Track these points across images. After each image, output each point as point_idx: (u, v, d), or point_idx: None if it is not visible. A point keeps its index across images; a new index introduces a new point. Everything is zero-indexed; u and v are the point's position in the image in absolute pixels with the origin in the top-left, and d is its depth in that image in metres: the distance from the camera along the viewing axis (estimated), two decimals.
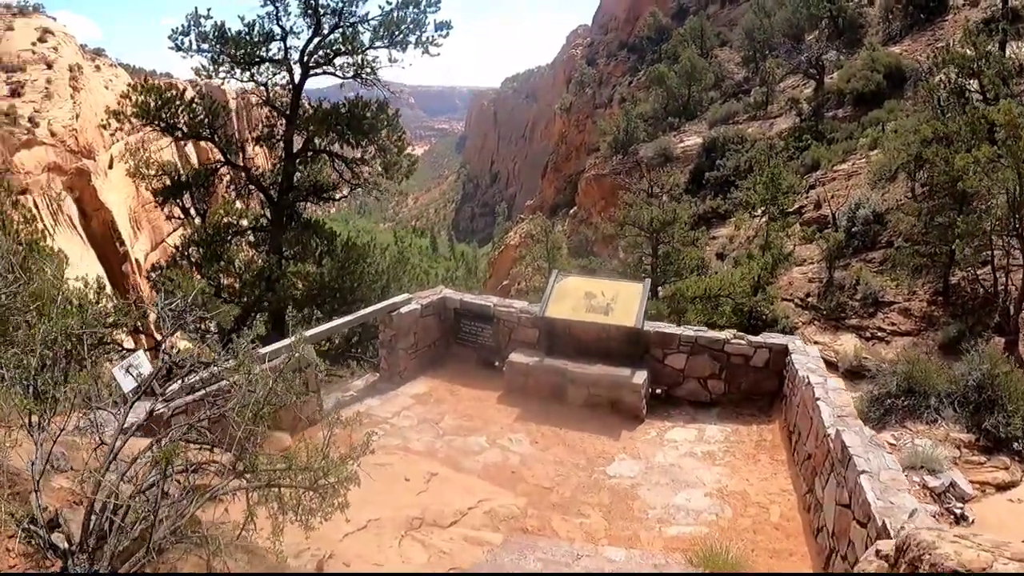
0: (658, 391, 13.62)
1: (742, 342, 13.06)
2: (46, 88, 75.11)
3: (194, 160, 75.31)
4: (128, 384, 9.43)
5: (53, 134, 72.46)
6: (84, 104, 75.58)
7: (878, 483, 7.49)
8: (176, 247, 24.17)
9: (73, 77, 79.67)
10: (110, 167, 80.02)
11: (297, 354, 6.61)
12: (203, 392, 7.89)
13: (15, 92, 73.01)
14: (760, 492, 10.50)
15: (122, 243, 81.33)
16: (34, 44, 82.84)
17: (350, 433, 5.85)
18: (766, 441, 12.00)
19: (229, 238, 22.78)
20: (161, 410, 9.00)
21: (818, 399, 9.82)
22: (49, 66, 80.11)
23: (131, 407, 6.56)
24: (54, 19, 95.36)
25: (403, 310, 14.76)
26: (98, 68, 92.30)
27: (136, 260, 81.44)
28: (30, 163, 68.65)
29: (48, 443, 4.90)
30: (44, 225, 65.87)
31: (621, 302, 13.63)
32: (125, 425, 5.35)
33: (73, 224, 74.02)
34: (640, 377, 12.93)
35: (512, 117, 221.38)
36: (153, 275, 23.06)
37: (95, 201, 77.59)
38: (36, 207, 65.78)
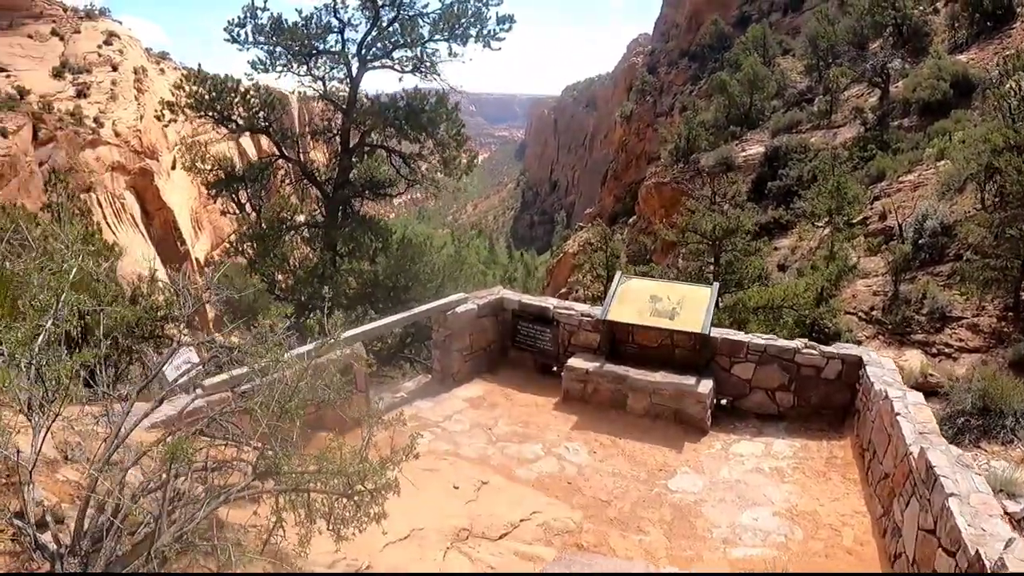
0: (723, 402, 12.84)
1: (814, 352, 12.28)
2: (111, 89, 76.62)
3: (253, 155, 76.15)
4: (173, 376, 9.51)
5: (117, 134, 73.80)
6: (148, 106, 76.27)
7: (968, 507, 6.74)
8: (230, 242, 24.01)
9: (138, 79, 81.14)
10: (173, 168, 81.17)
11: (334, 348, 6.03)
12: (248, 386, 7.19)
13: (81, 93, 75.06)
14: (832, 513, 9.79)
15: (183, 243, 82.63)
16: (100, 47, 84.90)
17: (392, 435, 5.32)
18: (837, 458, 11.26)
19: (283, 234, 22.52)
20: (200, 404, 8.76)
21: (898, 414, 9.09)
22: (114, 68, 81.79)
23: (161, 400, 6.16)
24: (120, 23, 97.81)
25: (459, 310, 14.19)
26: (163, 71, 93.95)
27: (196, 259, 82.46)
28: (94, 162, 69.98)
29: (43, 430, 4.35)
30: (108, 222, 68.48)
31: (687, 306, 12.90)
32: (152, 417, 4.90)
33: (135, 222, 75.51)
34: (705, 386, 12.21)
35: (572, 125, 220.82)
36: (207, 269, 22.90)
37: (157, 201, 79.02)
38: (99, 204, 68.86)
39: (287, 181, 24.00)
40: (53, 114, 69.77)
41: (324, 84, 22.31)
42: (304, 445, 5.72)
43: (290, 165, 23.56)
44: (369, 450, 5.04)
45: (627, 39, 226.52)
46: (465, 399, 13.62)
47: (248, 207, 23.68)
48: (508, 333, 15.20)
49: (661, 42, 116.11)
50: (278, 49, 21.40)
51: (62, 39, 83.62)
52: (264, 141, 23.31)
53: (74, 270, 5.26)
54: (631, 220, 63.55)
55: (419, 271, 21.55)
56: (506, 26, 21.16)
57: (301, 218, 23.29)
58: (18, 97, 67.96)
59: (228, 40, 21.38)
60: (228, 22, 21.33)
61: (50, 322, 4.75)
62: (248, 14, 21.09)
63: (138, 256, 69.60)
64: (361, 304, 21.60)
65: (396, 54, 21.75)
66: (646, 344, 13.33)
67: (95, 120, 73.83)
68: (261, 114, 22.39)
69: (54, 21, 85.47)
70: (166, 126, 25.09)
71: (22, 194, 53.37)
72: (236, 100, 21.97)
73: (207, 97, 21.47)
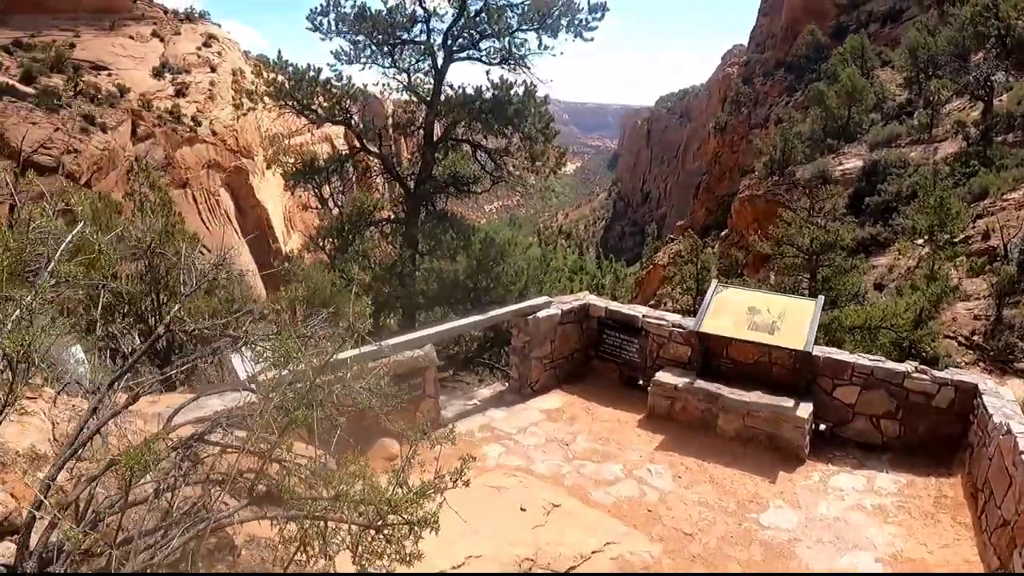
0: (822, 427, 11.67)
1: (925, 378, 11.05)
2: (209, 90, 78.72)
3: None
4: (243, 372, 9.31)
5: (214, 133, 75.76)
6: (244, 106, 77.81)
7: None
8: (311, 237, 23.77)
9: (235, 80, 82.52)
10: (268, 167, 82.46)
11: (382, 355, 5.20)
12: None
13: (180, 92, 78.08)
14: (940, 561, 8.65)
15: (275, 240, 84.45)
16: (199, 49, 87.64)
17: (438, 456, 4.53)
18: (947, 498, 10.08)
19: (363, 229, 22.07)
20: (254, 401, 8.20)
21: (1022, 453, 8.07)
22: (213, 69, 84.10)
23: (198, 397, 5.54)
24: (219, 26, 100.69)
25: (540, 315, 13.29)
26: (260, 74, 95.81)
27: (288, 257, 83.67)
28: (191, 159, 72.19)
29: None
30: (202, 218, 71.77)
31: (789, 321, 11.76)
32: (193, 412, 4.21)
33: (229, 218, 78.20)
34: (805, 410, 11.05)
35: (665, 136, 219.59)
36: (286, 264, 22.60)
37: (251, 198, 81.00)
38: (194, 200, 71.92)
39: (368, 175, 23.50)
40: (152, 112, 72.19)
41: (409, 76, 21.82)
42: (355, 455, 5.01)
43: (372, 159, 23.09)
44: (411, 471, 4.24)
45: (722, 49, 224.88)
46: (542, 410, 12.74)
47: (331, 202, 23.35)
48: (592, 342, 14.24)
49: (756, 52, 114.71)
50: (361, 38, 20.97)
51: (162, 40, 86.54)
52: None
53: None
54: (723, 233, 62.65)
55: (501, 273, 20.70)
56: (598, 15, 20.31)
57: (385, 213, 22.79)
58: (118, 95, 70.13)
59: (310, 29, 21.08)
60: (311, 11, 21.14)
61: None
62: (331, 2, 20.78)
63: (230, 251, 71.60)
64: (440, 305, 20.96)
65: (483, 45, 21.22)
66: (741, 360, 12.25)
67: (192, 119, 76.28)
68: (342, 104, 21.92)
69: (155, 23, 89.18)
70: (244, 114, 25.13)
71: (119, 187, 54.66)
72: (316, 89, 21.56)
73: (286, 85, 21.16)
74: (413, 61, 21.66)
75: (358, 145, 22.73)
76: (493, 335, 19.63)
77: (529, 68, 21.03)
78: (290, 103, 21.58)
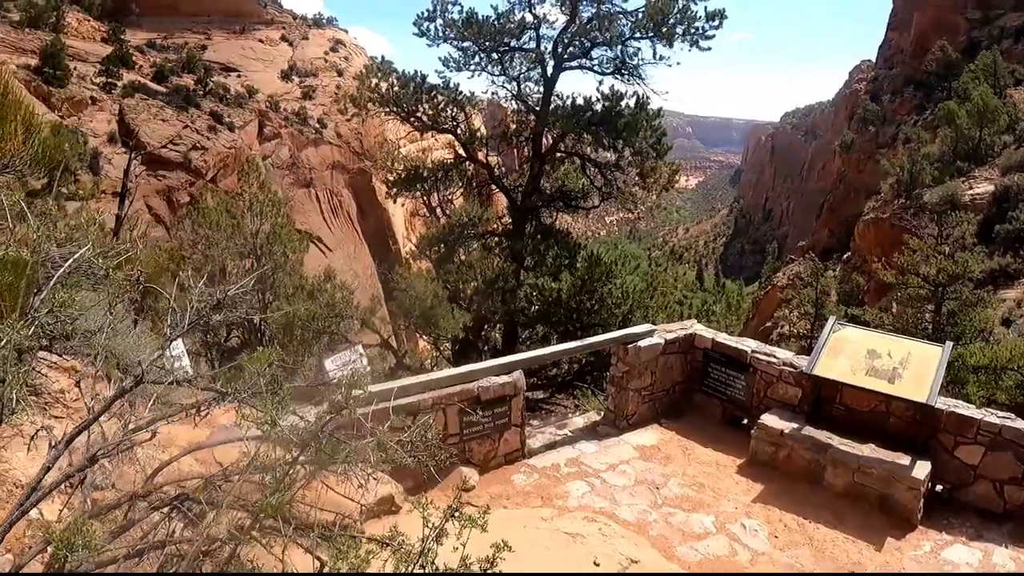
0: (939, 488, 10.52)
1: None
2: (335, 93, 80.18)
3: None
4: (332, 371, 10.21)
5: (339, 135, 77.55)
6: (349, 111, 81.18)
7: None
8: (416, 246, 23.72)
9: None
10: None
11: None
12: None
13: (307, 95, 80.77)
14: None
15: (395, 242, 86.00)
16: (326, 53, 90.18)
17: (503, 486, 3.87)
18: None
19: (465, 240, 21.65)
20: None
21: None
22: (339, 74, 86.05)
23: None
24: (346, 31, 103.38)
25: (642, 343, 12.44)
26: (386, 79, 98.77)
27: (407, 259, 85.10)
28: (315, 160, 74.27)
29: None
30: (324, 217, 74.48)
31: (912, 368, 10.63)
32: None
33: (351, 219, 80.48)
34: (922, 470, 9.86)
35: (789, 153, 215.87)
36: (393, 271, 22.40)
37: (374, 200, 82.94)
38: (317, 199, 74.67)
39: (473, 185, 23.05)
40: (279, 113, 75.09)
41: (519, 84, 21.35)
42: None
43: (478, 169, 22.65)
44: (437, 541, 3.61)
45: (850, 65, 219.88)
46: (636, 447, 11.97)
47: (438, 211, 23.04)
48: (696, 375, 13.35)
49: (884, 68, 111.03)
50: (468, 44, 20.64)
51: (291, 44, 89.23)
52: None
53: None
54: (845, 256, 60.68)
55: (606, 295, 19.81)
56: (716, 23, 19.32)
57: (492, 226, 22.37)
58: (247, 96, 73.17)
59: (417, 35, 20.88)
60: (417, 15, 21.00)
61: None
62: (439, 8, 20.53)
63: (350, 251, 73.42)
64: (542, 323, 20.32)
65: (595, 54, 20.53)
66: (855, 407, 11.15)
67: (319, 121, 78.65)
68: (448, 112, 21.60)
69: (283, 28, 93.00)
70: (348, 120, 25.07)
71: (242, 184, 56.18)
72: (421, 96, 21.30)
73: (392, 91, 21.01)
74: (524, 69, 21.19)
75: (464, 154, 22.33)
76: (594, 358, 18.90)
77: (643, 79, 20.27)
78: (394, 109, 21.35)
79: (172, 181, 55.08)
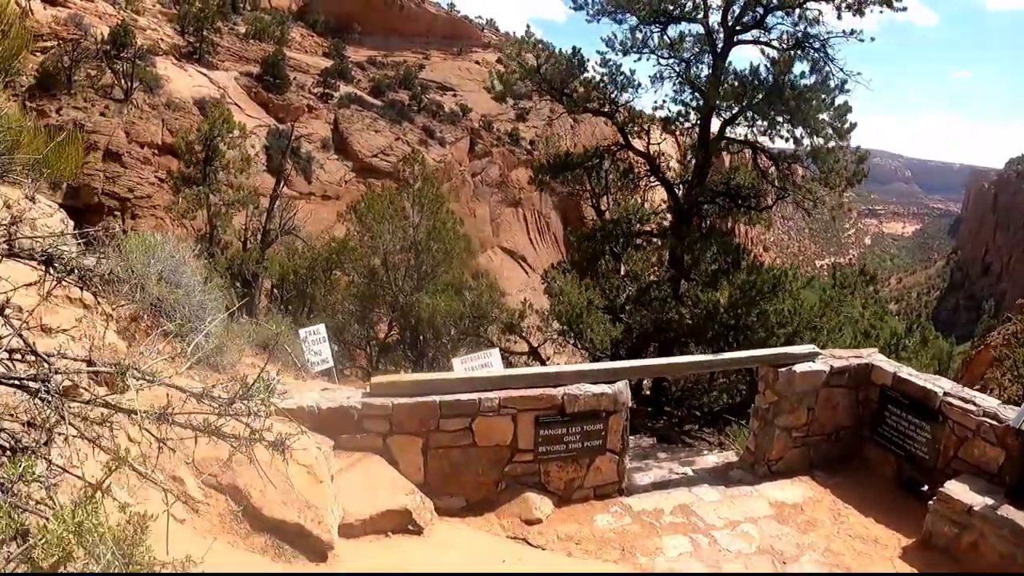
0: None
1: None
2: (548, 116, 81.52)
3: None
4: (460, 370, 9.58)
5: None
6: (582, 135, 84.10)
7: None
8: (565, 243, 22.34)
9: None
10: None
11: None
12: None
13: (520, 117, 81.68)
14: None
15: None
16: None
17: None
18: None
19: (616, 239, 19.18)
20: (354, 404, 7.58)
21: None
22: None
23: None
24: None
25: (798, 368, 9.39)
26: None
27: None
28: (524, 180, 76.04)
29: None
30: (530, 237, 77.09)
31: None
32: None
33: (556, 241, 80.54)
34: None
35: (1013, 203, 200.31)
36: (546, 276, 20.14)
37: (581, 223, 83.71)
38: (524, 219, 76.85)
39: (630, 176, 20.35)
40: (491, 132, 76.61)
41: (688, 67, 18.79)
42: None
43: (636, 158, 19.97)
44: None
45: None
46: (773, 503, 8.92)
47: (595, 202, 21.41)
48: (869, 418, 9.94)
49: None
50: (631, 19, 18.25)
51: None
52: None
53: None
54: None
55: (770, 311, 16.52)
56: None
57: (654, 226, 20.00)
58: (460, 114, 74.89)
59: (572, 8, 18.94)
60: None
61: None
62: None
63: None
64: (694, 339, 17.20)
65: (769, 22, 17.50)
66: None
67: (530, 142, 79.14)
68: (602, 92, 19.27)
69: (499, 51, 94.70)
70: (494, 98, 23.73)
71: (450, 197, 57.77)
72: (573, 71, 19.19)
73: (544, 69, 19.16)
74: (693, 51, 18.62)
75: (622, 141, 19.86)
76: (746, 388, 15.82)
77: (831, 57, 17.01)
78: (542, 85, 19.55)
79: (380, 189, 56.67)
